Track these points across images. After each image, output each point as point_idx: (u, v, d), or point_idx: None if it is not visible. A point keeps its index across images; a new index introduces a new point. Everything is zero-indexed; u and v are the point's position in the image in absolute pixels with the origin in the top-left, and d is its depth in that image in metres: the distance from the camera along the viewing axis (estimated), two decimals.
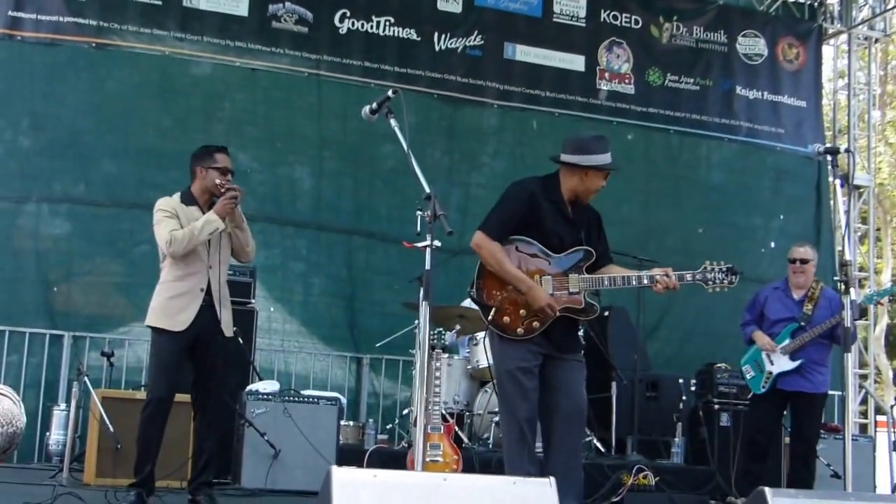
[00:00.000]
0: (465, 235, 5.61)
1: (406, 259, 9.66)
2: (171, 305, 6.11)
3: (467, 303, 7.37)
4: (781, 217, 12.35)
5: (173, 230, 6.06)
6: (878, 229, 16.84)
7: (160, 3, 10.16)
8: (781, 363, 7.66)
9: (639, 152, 11.88)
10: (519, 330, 5.34)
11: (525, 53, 11.57)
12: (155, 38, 10.14)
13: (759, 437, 7.85)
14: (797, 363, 7.61)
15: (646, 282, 5.43)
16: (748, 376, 7.90)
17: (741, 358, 8.07)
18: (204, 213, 6.15)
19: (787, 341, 7.68)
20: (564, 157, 5.52)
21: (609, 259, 5.69)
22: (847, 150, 10.71)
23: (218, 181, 6.20)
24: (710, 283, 5.41)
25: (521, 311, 5.35)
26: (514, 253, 5.42)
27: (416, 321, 8.38)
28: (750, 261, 11.26)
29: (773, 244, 12.07)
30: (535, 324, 5.34)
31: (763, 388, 7.73)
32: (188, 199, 6.26)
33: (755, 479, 7.14)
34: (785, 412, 7.98)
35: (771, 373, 7.69)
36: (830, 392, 11.43)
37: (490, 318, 5.39)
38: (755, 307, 8.04)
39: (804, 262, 7.88)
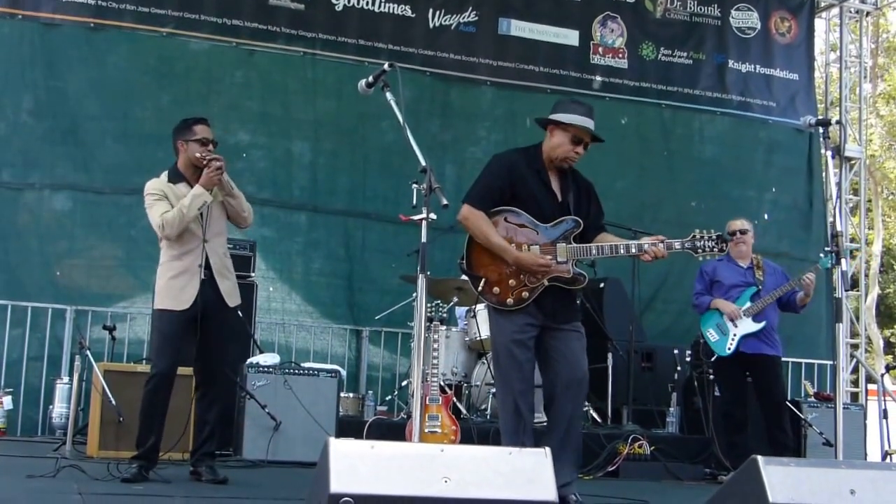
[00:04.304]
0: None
1: (402, 237, 9.82)
2: (173, 285, 6.11)
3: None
4: (774, 189, 12.42)
5: (164, 213, 6.05)
6: (869, 200, 16.91)
7: None
8: (745, 325, 7.88)
9: (632, 127, 11.93)
10: (509, 301, 5.33)
11: (520, 29, 11.58)
12: (153, 17, 10.13)
13: (733, 409, 8.05)
14: (761, 325, 7.84)
15: (633, 250, 5.44)
16: (712, 340, 8.06)
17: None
18: (192, 188, 6.11)
19: (748, 304, 7.90)
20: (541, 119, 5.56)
21: (602, 228, 5.65)
22: (839, 122, 10.80)
23: (198, 153, 6.13)
24: (700, 250, 5.46)
25: (511, 282, 5.33)
26: (502, 224, 5.40)
27: (414, 294, 8.44)
28: None
29: (766, 216, 12.14)
30: (525, 294, 5.33)
31: (729, 349, 7.92)
32: (175, 177, 6.23)
33: (742, 451, 7.24)
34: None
35: (735, 335, 7.89)
36: (822, 361, 11.66)
37: (480, 289, 5.39)
38: (704, 278, 8.24)
39: (743, 232, 8.14)
